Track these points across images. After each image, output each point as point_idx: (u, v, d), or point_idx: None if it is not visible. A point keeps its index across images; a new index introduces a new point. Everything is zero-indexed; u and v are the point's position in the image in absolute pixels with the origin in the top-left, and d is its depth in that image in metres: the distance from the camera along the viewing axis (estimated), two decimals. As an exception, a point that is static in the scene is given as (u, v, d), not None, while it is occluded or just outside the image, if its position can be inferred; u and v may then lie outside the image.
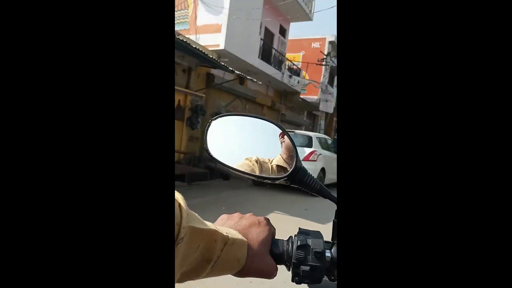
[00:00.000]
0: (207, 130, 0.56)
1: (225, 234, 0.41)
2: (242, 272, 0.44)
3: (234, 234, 0.43)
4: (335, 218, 0.49)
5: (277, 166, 0.54)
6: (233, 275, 0.44)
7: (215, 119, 0.57)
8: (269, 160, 0.54)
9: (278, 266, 0.47)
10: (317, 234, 0.49)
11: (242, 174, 0.53)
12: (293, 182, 0.52)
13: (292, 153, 0.54)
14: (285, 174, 0.52)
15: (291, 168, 0.52)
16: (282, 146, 0.54)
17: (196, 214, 0.39)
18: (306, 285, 0.48)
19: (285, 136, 0.55)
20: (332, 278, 0.47)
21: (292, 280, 0.46)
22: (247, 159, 0.55)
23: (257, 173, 0.53)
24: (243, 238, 0.44)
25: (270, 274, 0.45)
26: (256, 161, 0.54)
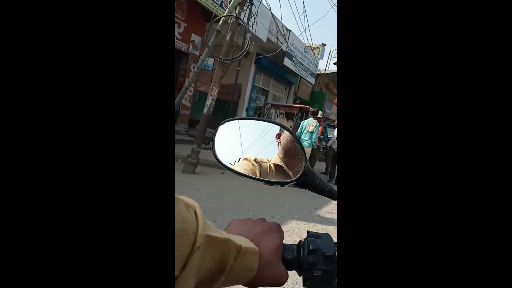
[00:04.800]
0: (214, 135, 0.56)
1: (238, 243, 0.40)
2: (253, 282, 0.43)
3: (246, 242, 0.42)
4: None
5: (275, 165, 0.54)
6: (243, 285, 0.43)
7: (222, 124, 0.58)
8: (267, 160, 0.55)
9: (288, 271, 0.46)
10: (327, 237, 0.48)
11: (248, 178, 0.54)
12: (302, 185, 0.52)
13: (300, 155, 0.54)
14: (294, 178, 0.52)
15: (299, 170, 0.52)
16: (279, 146, 0.55)
17: (210, 222, 0.37)
18: None
19: (289, 136, 0.55)
20: None
21: (304, 285, 0.46)
22: (245, 159, 0.55)
23: (257, 173, 0.54)
24: (255, 246, 0.43)
25: (281, 282, 0.44)
26: (255, 161, 0.55)
